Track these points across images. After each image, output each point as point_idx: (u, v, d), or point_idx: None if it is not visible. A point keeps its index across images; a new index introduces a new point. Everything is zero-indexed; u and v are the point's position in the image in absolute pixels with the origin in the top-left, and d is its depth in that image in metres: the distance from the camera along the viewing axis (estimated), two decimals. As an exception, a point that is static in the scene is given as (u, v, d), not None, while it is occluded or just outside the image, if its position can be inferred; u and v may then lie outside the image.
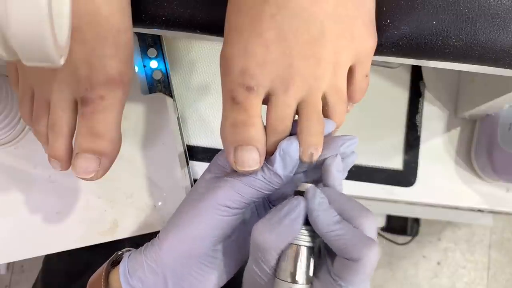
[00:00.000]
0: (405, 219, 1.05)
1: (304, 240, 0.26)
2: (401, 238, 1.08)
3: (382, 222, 1.00)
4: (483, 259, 1.12)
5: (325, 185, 0.28)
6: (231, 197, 0.28)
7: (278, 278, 0.26)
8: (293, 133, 0.28)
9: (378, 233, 1.07)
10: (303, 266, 0.26)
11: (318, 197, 0.26)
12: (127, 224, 0.43)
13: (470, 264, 1.12)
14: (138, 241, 0.32)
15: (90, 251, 0.42)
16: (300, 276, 0.26)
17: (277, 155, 0.27)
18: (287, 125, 0.28)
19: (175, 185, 0.44)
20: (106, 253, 0.33)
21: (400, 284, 1.11)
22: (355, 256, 0.24)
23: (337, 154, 0.28)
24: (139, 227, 0.43)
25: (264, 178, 0.28)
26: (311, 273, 0.26)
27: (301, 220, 0.26)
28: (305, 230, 0.26)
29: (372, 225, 0.25)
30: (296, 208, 0.26)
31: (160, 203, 0.43)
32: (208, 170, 0.31)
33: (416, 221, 1.07)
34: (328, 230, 0.25)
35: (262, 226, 0.26)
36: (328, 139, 0.28)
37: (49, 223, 0.42)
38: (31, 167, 0.43)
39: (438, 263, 1.12)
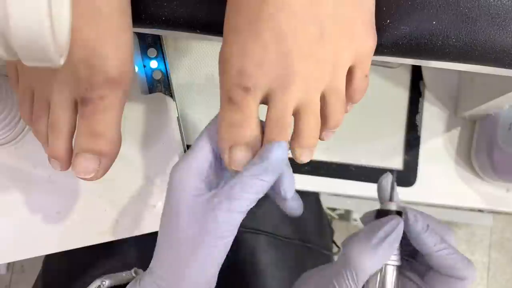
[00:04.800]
0: (405, 219, 1.05)
1: (395, 260, 0.27)
2: (401, 238, 1.08)
3: (382, 222, 0.99)
4: (483, 259, 1.12)
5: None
6: (231, 221, 0.26)
7: None
8: None
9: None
10: (391, 285, 0.27)
11: (420, 220, 0.27)
12: (127, 224, 0.43)
13: (470, 264, 1.12)
14: (138, 241, 0.32)
15: (90, 251, 0.42)
16: None
17: (258, 162, 0.27)
18: (287, 125, 0.28)
19: (175, 185, 0.44)
20: (106, 253, 0.33)
21: (400, 284, 1.11)
22: (463, 274, 0.26)
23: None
24: (139, 227, 0.43)
25: (251, 192, 0.26)
26: None
27: (399, 240, 0.27)
28: (397, 249, 0.28)
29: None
30: (396, 230, 0.27)
31: (160, 203, 0.43)
32: (179, 203, 0.27)
33: (416, 221, 1.07)
34: (438, 249, 0.27)
35: (361, 247, 0.26)
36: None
37: (49, 223, 0.42)
38: (31, 167, 0.43)
39: (438, 263, 1.12)
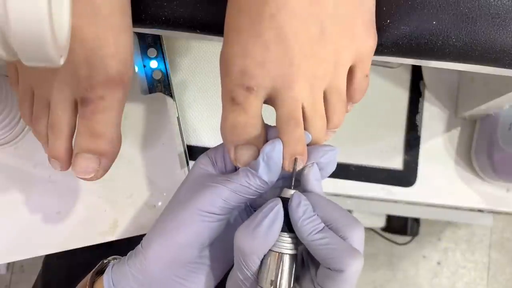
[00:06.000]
0: (405, 219, 1.05)
1: (286, 247, 0.26)
2: (401, 238, 1.08)
3: (382, 222, 1.00)
4: (483, 259, 1.12)
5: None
6: (216, 203, 0.27)
7: (260, 286, 0.25)
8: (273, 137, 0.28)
9: (378, 233, 1.07)
10: (285, 274, 0.25)
11: (302, 204, 0.25)
12: (127, 224, 0.43)
13: (470, 264, 1.12)
14: (138, 241, 0.32)
15: (90, 251, 0.42)
16: (282, 284, 0.25)
17: (260, 160, 0.27)
18: (301, 119, 0.27)
19: (175, 185, 0.44)
20: (106, 253, 0.33)
21: (400, 284, 1.11)
22: (338, 267, 0.23)
23: (313, 163, 0.27)
24: (139, 227, 0.43)
25: (249, 184, 0.27)
26: (292, 282, 0.26)
27: (279, 222, 0.25)
28: (288, 237, 0.26)
29: (360, 235, 0.25)
30: (273, 210, 0.25)
31: (160, 203, 0.43)
32: (190, 173, 0.31)
33: (416, 221, 1.07)
34: (313, 238, 0.25)
35: (243, 230, 0.25)
36: (309, 149, 0.28)
37: (49, 223, 0.42)
38: (31, 167, 0.43)
39: (438, 263, 1.12)
